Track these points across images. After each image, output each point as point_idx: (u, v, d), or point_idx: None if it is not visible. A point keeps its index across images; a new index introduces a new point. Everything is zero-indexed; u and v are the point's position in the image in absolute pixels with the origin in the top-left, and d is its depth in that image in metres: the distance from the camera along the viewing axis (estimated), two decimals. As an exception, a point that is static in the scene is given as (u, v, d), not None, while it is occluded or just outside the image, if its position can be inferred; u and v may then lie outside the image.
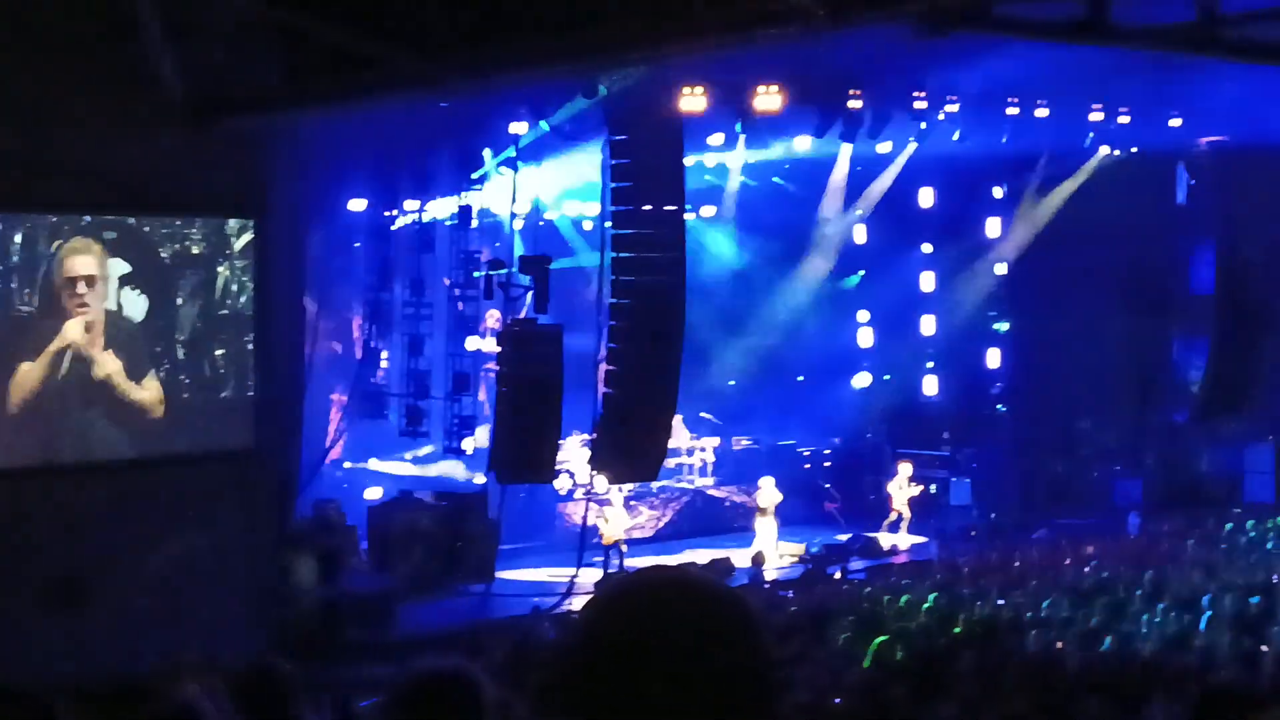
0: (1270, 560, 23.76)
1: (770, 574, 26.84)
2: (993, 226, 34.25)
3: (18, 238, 18.75)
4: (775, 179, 31.78)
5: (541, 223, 29.87)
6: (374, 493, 28.06)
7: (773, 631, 17.87)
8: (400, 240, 28.48)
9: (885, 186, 32.80)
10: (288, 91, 18.85)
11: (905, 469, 31.21)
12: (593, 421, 23.91)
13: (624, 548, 26.42)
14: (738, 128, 27.91)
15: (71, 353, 19.11)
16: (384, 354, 28.98)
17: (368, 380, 28.72)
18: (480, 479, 27.09)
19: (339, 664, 18.30)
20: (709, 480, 32.02)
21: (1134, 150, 32.28)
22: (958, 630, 18.37)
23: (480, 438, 27.34)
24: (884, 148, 31.38)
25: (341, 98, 18.75)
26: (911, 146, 31.40)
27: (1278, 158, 29.18)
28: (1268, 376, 31.77)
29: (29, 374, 18.86)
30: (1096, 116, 30.40)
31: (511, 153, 26.59)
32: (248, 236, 20.47)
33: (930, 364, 34.67)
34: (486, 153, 27.03)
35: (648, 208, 22.28)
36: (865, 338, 34.68)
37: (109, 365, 19.48)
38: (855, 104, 27.46)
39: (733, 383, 33.41)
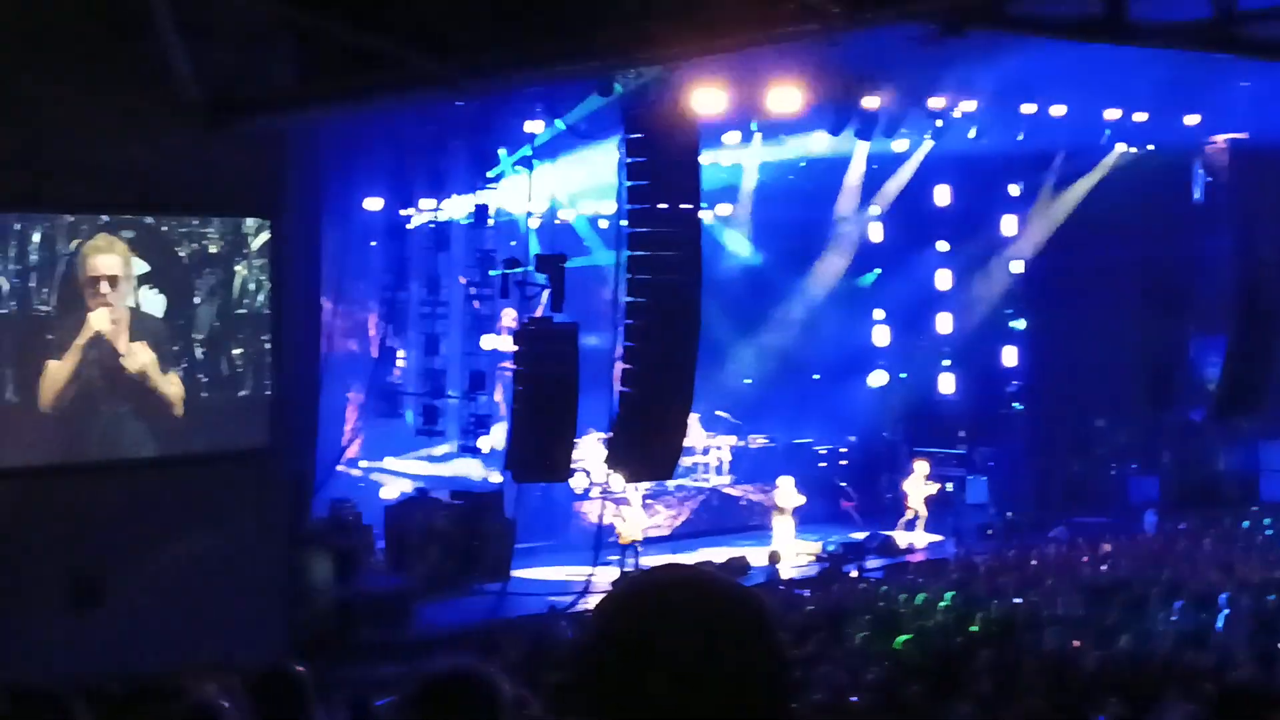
0: (1287, 558, 23.75)
1: (786, 573, 26.84)
2: (1009, 224, 34.19)
3: (36, 236, 18.78)
4: (791, 177, 31.74)
5: (557, 221, 29.89)
6: (390, 492, 28.10)
7: (789, 630, 17.87)
8: (416, 239, 28.50)
9: (901, 184, 32.78)
10: (303, 91, 18.89)
11: (921, 467, 31.17)
12: (609, 420, 23.88)
13: (640, 547, 26.43)
14: (754, 126, 27.91)
15: (101, 346, 19.15)
16: (400, 353, 29.00)
17: (384, 379, 28.73)
18: (496, 478, 27.09)
19: (355, 663, 18.33)
20: (725, 479, 32.02)
21: (1150, 148, 32.21)
22: (974, 629, 18.36)
23: (496, 436, 27.34)
24: (900, 146, 31.38)
25: (357, 97, 18.77)
26: (928, 144, 31.39)
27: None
28: (1285, 374, 31.72)
29: (59, 371, 18.88)
30: (1113, 114, 30.34)
31: (527, 151, 26.62)
32: (265, 236, 20.49)
33: (946, 362, 34.62)
34: (502, 151, 27.06)
35: (664, 206, 22.23)
36: (881, 336, 34.64)
37: (142, 357, 19.52)
38: (871, 102, 27.45)
39: (749, 381, 33.38)
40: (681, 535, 29.83)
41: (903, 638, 17.22)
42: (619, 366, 23.13)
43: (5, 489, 18.64)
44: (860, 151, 31.20)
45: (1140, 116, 30.45)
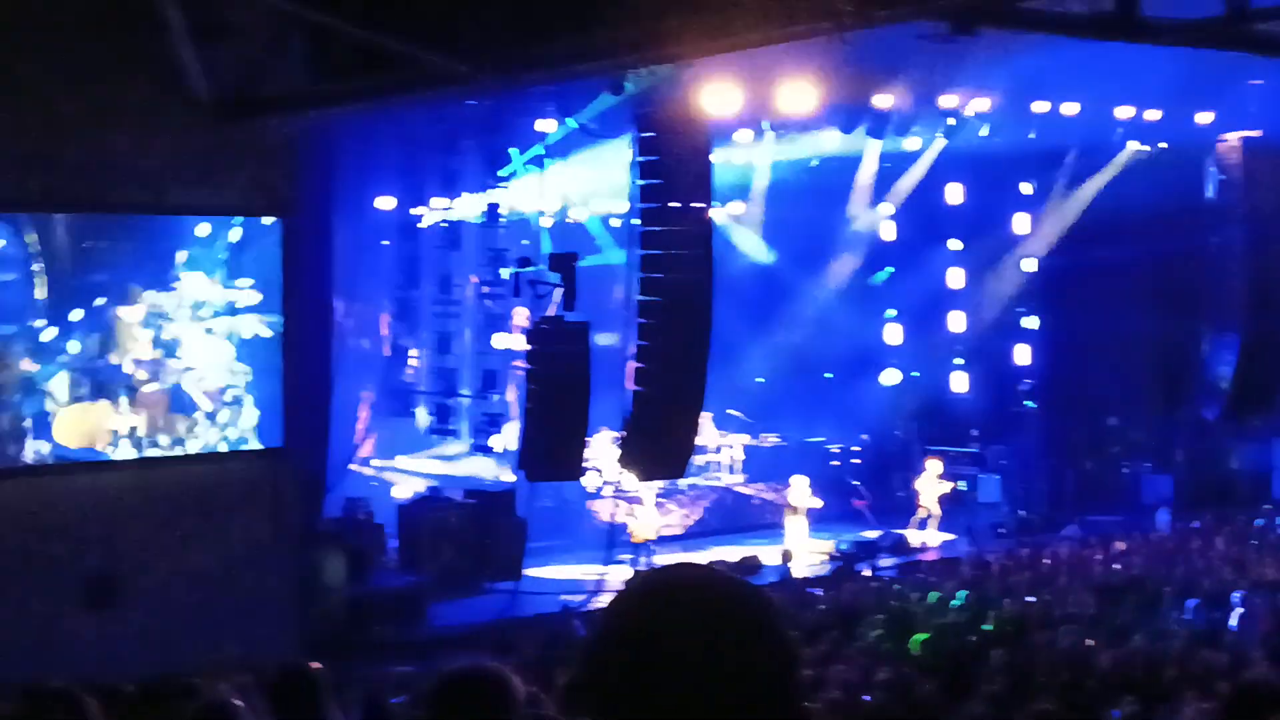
0: (1301, 557, 23.71)
1: (799, 572, 26.84)
2: (1021, 222, 34.14)
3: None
4: (803, 176, 31.71)
5: (569, 220, 29.90)
6: (402, 491, 28.11)
7: (802, 629, 17.87)
8: (428, 238, 28.54)
9: (913, 183, 32.73)
10: (315, 90, 18.90)
11: (934, 466, 31.13)
12: (621, 419, 23.89)
13: (653, 546, 26.43)
14: (765, 124, 27.89)
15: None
16: (412, 352, 29.03)
17: (396, 378, 28.78)
18: (509, 477, 27.09)
19: (368, 662, 18.35)
20: (737, 478, 32.00)
21: (1163, 145, 32.16)
22: (987, 627, 18.35)
23: (508, 435, 27.35)
24: (912, 144, 31.34)
25: (369, 96, 18.78)
26: (940, 142, 31.34)
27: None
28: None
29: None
30: (1125, 112, 30.29)
31: (539, 150, 26.63)
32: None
33: (959, 361, 34.56)
34: (514, 150, 27.04)
35: (675, 205, 22.23)
36: (894, 334, 34.60)
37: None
38: (883, 100, 27.43)
39: (761, 380, 33.36)
40: (694, 534, 29.82)
41: (920, 636, 17.22)
42: (631, 365, 23.13)
43: (20, 488, 18.69)
44: (872, 150, 31.15)
45: (1153, 114, 30.41)
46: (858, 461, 33.24)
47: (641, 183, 22.66)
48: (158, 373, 19.77)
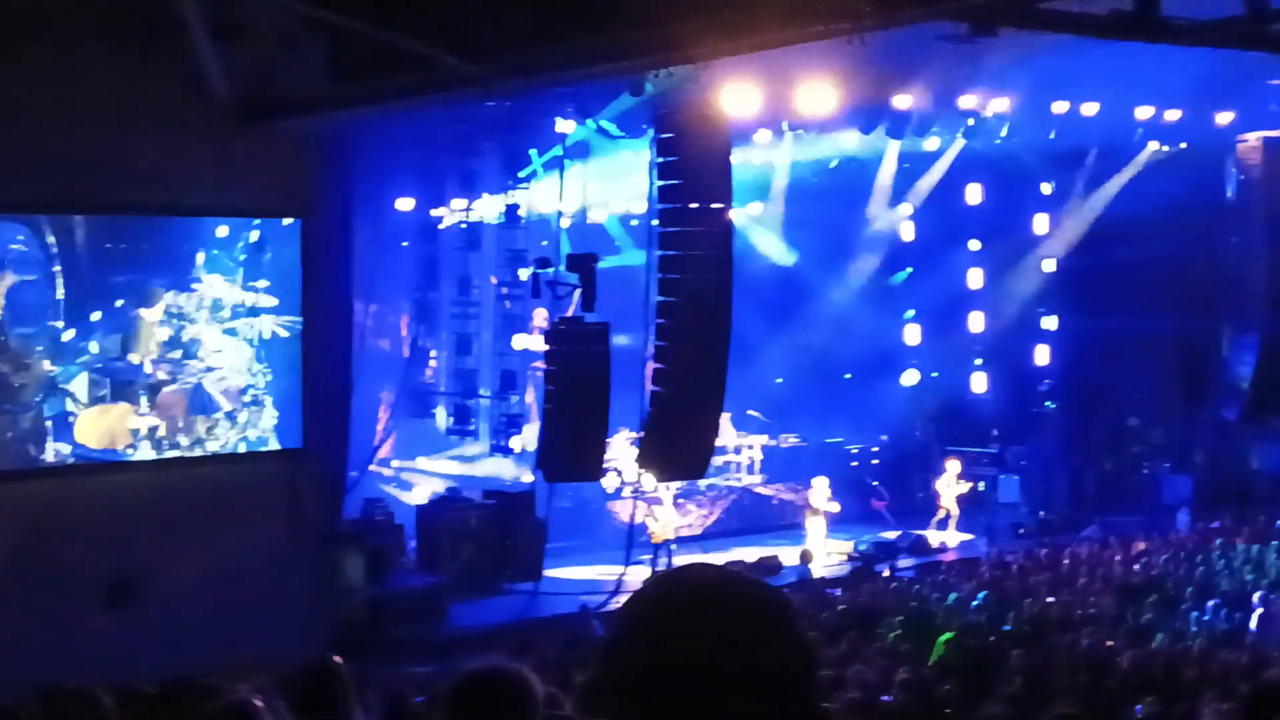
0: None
1: (818, 572, 26.84)
2: (1041, 223, 34.12)
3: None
4: (822, 176, 31.70)
5: (588, 221, 29.91)
6: (422, 491, 28.15)
7: (821, 630, 17.86)
8: (447, 239, 28.57)
9: (933, 183, 32.72)
10: (335, 92, 18.91)
11: (954, 466, 31.10)
12: (640, 419, 23.90)
13: (673, 546, 26.43)
14: (785, 125, 27.87)
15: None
16: (432, 353, 29.06)
17: (415, 379, 28.82)
18: (528, 477, 27.12)
19: (388, 662, 18.36)
20: (757, 478, 32.01)
21: (1183, 145, 32.10)
22: (1007, 628, 18.33)
23: (528, 436, 27.38)
24: (931, 144, 31.31)
25: (388, 97, 18.79)
26: (959, 143, 31.31)
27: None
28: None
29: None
30: (1145, 112, 30.23)
31: (559, 151, 26.64)
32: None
33: (978, 361, 34.54)
34: (533, 151, 27.07)
35: (695, 206, 22.24)
36: (913, 335, 34.58)
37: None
38: (902, 101, 27.41)
39: (780, 380, 33.35)
40: (713, 535, 29.83)
41: (944, 636, 17.19)
42: (650, 366, 23.15)
43: (41, 488, 18.74)
44: (892, 150, 31.16)
45: (1173, 114, 30.36)
46: (877, 462, 33.25)
47: (661, 183, 22.68)
48: (178, 373, 19.83)
